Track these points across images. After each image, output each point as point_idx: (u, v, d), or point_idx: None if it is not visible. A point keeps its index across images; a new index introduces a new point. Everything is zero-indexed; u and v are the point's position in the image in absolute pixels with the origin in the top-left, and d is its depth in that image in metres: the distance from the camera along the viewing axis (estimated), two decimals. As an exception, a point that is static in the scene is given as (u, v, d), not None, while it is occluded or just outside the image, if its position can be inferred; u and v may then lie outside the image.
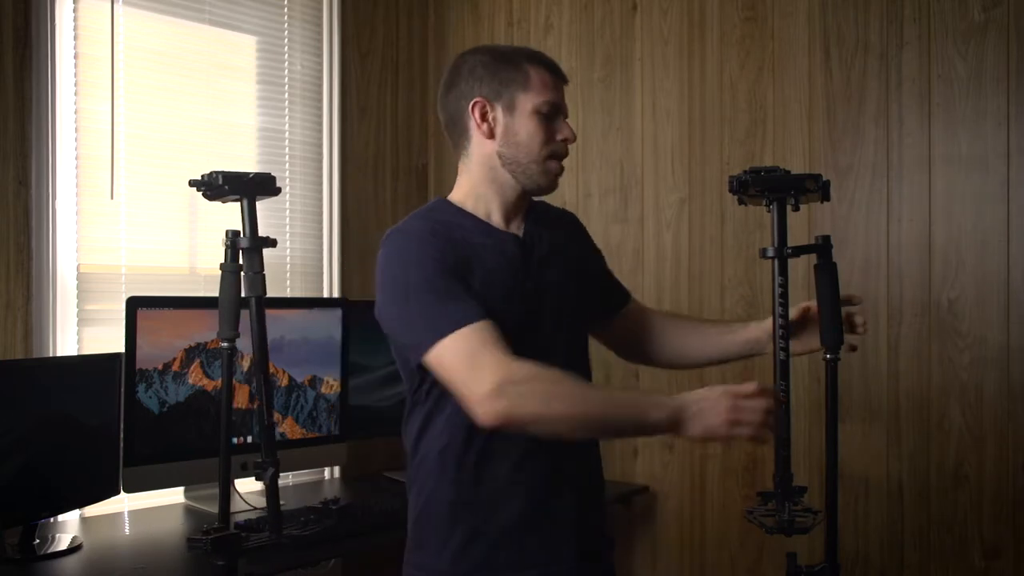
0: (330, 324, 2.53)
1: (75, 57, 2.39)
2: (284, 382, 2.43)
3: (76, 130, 2.39)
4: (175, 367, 2.20)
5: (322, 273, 2.97)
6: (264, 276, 1.58)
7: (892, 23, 2.23)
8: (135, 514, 2.36)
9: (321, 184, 2.97)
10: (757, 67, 2.46)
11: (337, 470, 2.88)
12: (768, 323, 1.56)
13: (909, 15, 2.20)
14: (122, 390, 2.12)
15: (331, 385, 2.53)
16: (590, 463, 1.61)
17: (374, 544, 2.18)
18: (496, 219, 1.55)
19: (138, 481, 2.16)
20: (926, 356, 2.17)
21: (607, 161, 2.72)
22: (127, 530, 2.26)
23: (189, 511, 2.32)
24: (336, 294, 2.94)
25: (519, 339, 1.40)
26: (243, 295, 1.60)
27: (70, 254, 2.36)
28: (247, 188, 1.58)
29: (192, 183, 1.60)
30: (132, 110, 2.51)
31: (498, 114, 1.50)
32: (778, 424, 1.41)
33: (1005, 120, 2.06)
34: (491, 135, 1.51)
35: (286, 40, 2.91)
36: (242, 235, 1.59)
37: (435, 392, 1.48)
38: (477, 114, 1.51)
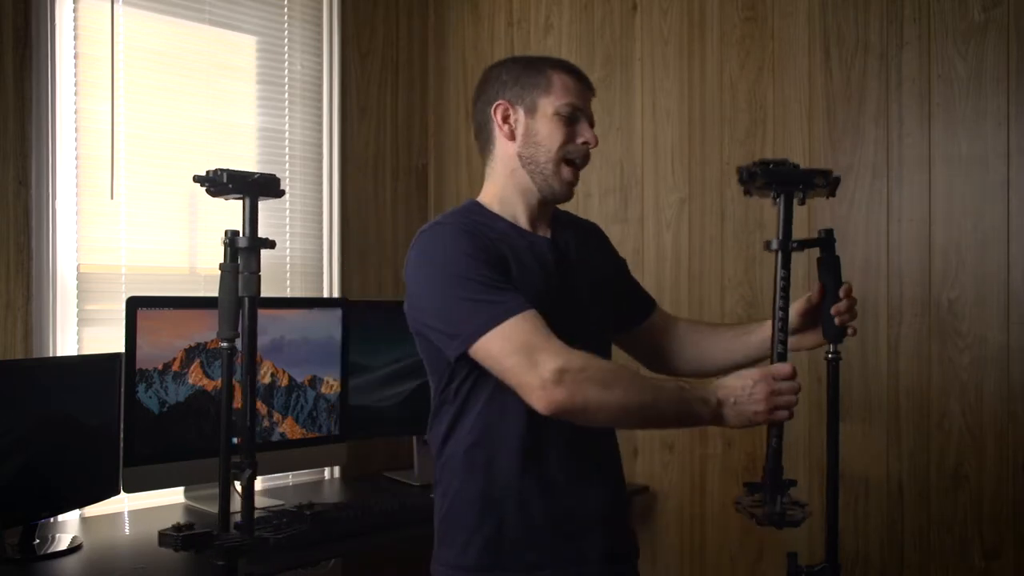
0: (330, 324, 2.53)
1: (75, 57, 2.39)
2: (284, 382, 2.43)
3: (76, 130, 2.39)
4: (175, 367, 2.20)
5: (322, 273, 2.97)
6: (259, 277, 1.58)
7: (892, 23, 2.23)
8: (135, 514, 2.36)
9: (321, 184, 2.97)
10: (757, 67, 2.46)
11: (337, 470, 2.88)
12: None
13: (909, 15, 2.20)
14: (122, 390, 2.12)
15: (331, 385, 2.53)
16: (613, 465, 1.62)
17: (374, 544, 2.18)
18: (523, 223, 1.58)
19: (138, 481, 2.16)
20: (926, 356, 2.17)
21: (607, 161, 2.72)
22: (127, 530, 2.26)
23: (189, 511, 2.31)
24: (336, 294, 2.94)
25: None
26: (238, 295, 1.59)
27: (70, 254, 2.36)
28: (251, 188, 1.58)
29: (196, 179, 1.60)
30: (132, 110, 2.51)
31: (520, 116, 1.54)
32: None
33: (1005, 120, 2.06)
34: (512, 136, 1.55)
35: (286, 40, 2.91)
36: (241, 235, 1.58)
37: (464, 390, 1.49)
38: (499, 116, 1.55)
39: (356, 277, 3.02)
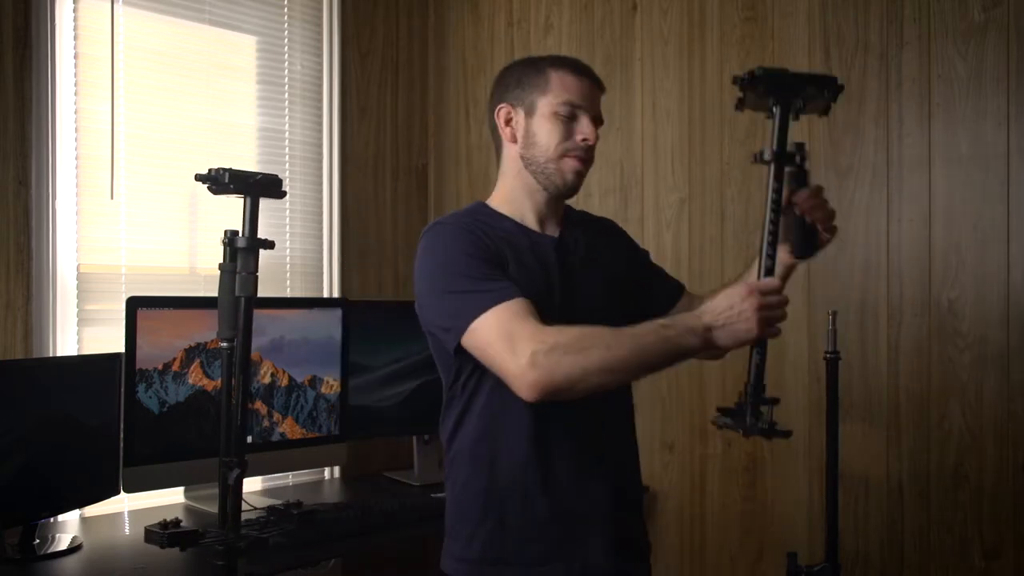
0: (330, 324, 2.53)
1: (75, 57, 2.39)
2: (284, 382, 2.43)
3: (76, 130, 2.39)
4: (175, 367, 2.20)
5: (322, 273, 2.97)
6: (256, 277, 1.57)
7: (892, 23, 2.23)
8: (135, 514, 2.36)
9: (321, 184, 2.97)
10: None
11: (337, 470, 2.88)
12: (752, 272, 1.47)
13: (909, 15, 2.20)
14: (122, 390, 2.12)
15: (331, 385, 2.53)
16: (622, 460, 1.61)
17: (374, 544, 2.18)
18: (531, 223, 1.60)
19: (138, 481, 2.16)
20: (926, 356, 2.17)
21: (607, 161, 2.72)
22: (127, 530, 2.26)
23: (189, 511, 2.31)
24: (336, 294, 2.94)
25: None
26: (235, 294, 1.59)
27: (70, 254, 2.37)
28: (252, 188, 1.58)
29: (198, 177, 1.60)
30: (132, 110, 2.51)
31: (520, 118, 1.56)
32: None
33: (1005, 120, 2.06)
34: (514, 139, 1.57)
35: (286, 40, 2.91)
36: (240, 235, 1.58)
37: (470, 385, 1.52)
38: (502, 119, 1.58)
39: (356, 277, 3.02)
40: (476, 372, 1.50)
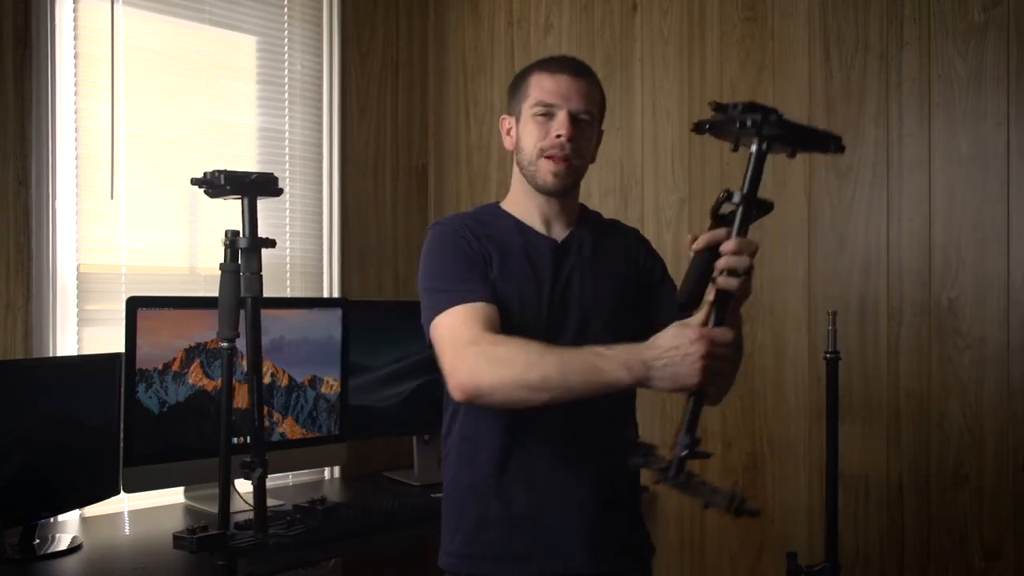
0: (330, 324, 2.53)
1: (75, 57, 2.39)
2: (284, 382, 2.43)
3: (76, 130, 2.39)
4: (175, 367, 2.20)
5: (322, 273, 2.97)
6: (261, 277, 1.58)
7: (892, 23, 2.23)
8: (135, 514, 2.36)
9: (321, 184, 2.97)
10: (757, 67, 2.46)
11: (337, 470, 2.88)
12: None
13: (909, 15, 2.20)
14: (122, 390, 2.12)
15: (331, 385, 2.53)
16: (603, 460, 1.58)
17: (374, 544, 2.18)
18: (536, 224, 1.62)
19: (138, 481, 2.16)
20: (926, 356, 2.17)
21: (607, 161, 2.72)
22: (127, 530, 2.26)
23: (189, 511, 2.31)
24: (336, 294, 2.94)
25: (540, 338, 1.41)
26: (240, 295, 1.59)
27: (70, 254, 2.36)
28: (249, 188, 1.58)
29: (194, 181, 1.60)
30: (132, 110, 2.51)
31: (514, 125, 1.62)
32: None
33: (1005, 120, 2.06)
34: (512, 146, 1.64)
35: (286, 40, 2.91)
36: (241, 235, 1.59)
37: None
38: (504, 129, 1.65)
39: (356, 277, 3.02)
40: None
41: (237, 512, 2.11)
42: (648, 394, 1.63)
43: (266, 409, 2.38)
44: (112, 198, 2.44)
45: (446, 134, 3.22)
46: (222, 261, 1.59)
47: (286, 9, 2.89)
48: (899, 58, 2.21)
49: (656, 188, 2.65)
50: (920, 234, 2.18)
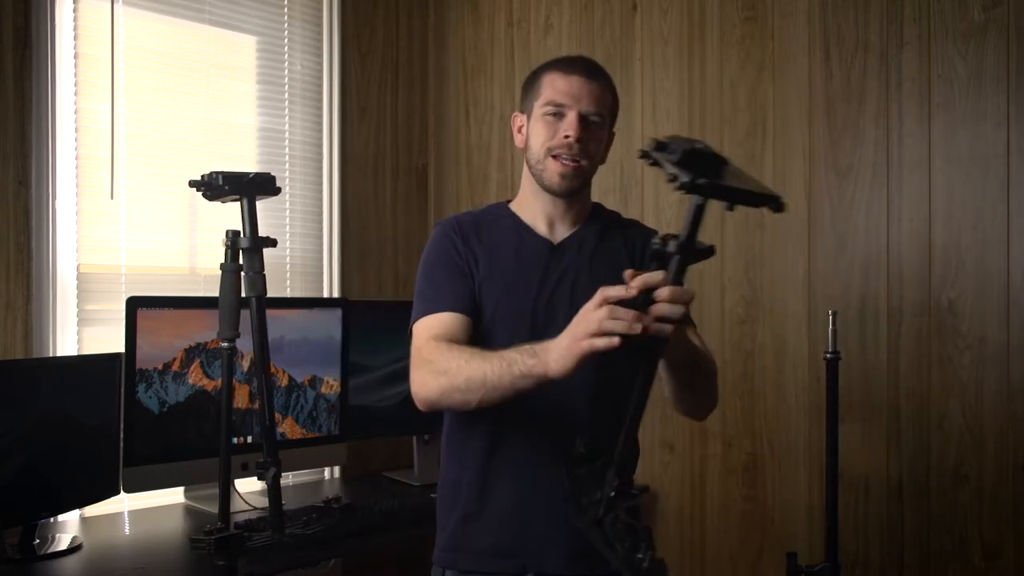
0: (330, 324, 2.53)
1: (75, 57, 2.39)
2: (284, 382, 2.43)
3: (76, 130, 2.39)
4: (175, 367, 2.20)
5: (322, 273, 2.97)
6: (264, 276, 1.58)
7: (892, 23, 2.23)
8: (135, 514, 2.36)
9: (321, 184, 2.97)
10: (757, 67, 2.46)
11: (337, 470, 2.88)
12: None
13: (909, 15, 2.20)
14: (122, 390, 2.12)
15: (331, 385, 2.53)
16: None
17: (374, 544, 2.18)
18: (541, 225, 1.63)
19: (138, 481, 2.16)
20: (926, 356, 2.17)
21: (607, 161, 2.71)
22: (127, 530, 2.26)
23: (189, 511, 2.31)
24: (336, 294, 2.94)
25: (525, 339, 1.40)
26: (243, 295, 1.60)
27: (70, 254, 2.36)
28: (247, 188, 1.58)
29: (192, 183, 1.60)
30: (132, 110, 2.51)
31: (525, 123, 1.63)
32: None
33: (1005, 120, 2.06)
34: (523, 144, 1.63)
35: (286, 40, 2.91)
36: (242, 235, 1.59)
37: None
38: (515, 127, 1.65)
39: (356, 277, 3.02)
40: None
41: (237, 512, 2.11)
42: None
43: (266, 409, 2.38)
44: (112, 198, 2.44)
45: (446, 134, 3.22)
46: (222, 261, 1.59)
47: (286, 9, 2.89)
48: (899, 58, 2.21)
49: (656, 188, 2.65)
50: (920, 234, 2.18)
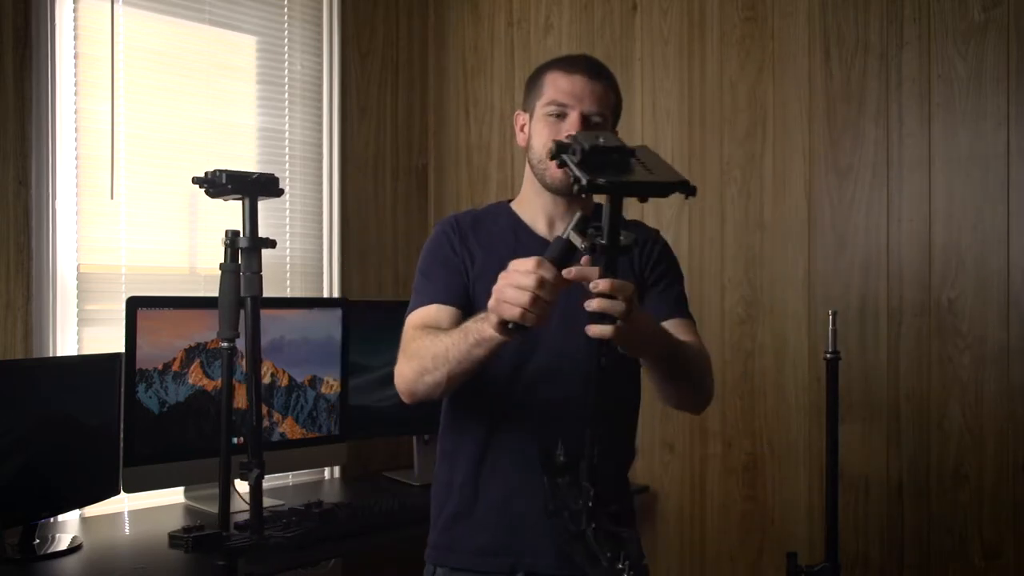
0: (330, 324, 2.53)
1: (75, 57, 2.39)
2: (284, 382, 2.43)
3: (76, 130, 2.39)
4: (175, 367, 2.20)
5: (322, 273, 2.97)
6: (261, 276, 1.58)
7: (892, 23, 2.23)
8: (135, 514, 2.35)
9: (321, 184, 2.97)
10: (757, 67, 2.46)
11: (337, 470, 2.88)
12: None
13: (909, 15, 2.20)
14: (122, 390, 2.12)
15: (331, 385, 2.53)
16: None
17: (374, 544, 2.18)
18: (540, 224, 1.63)
19: (138, 481, 2.16)
20: (926, 356, 2.17)
21: (607, 161, 2.72)
22: (127, 530, 2.26)
23: (189, 511, 2.31)
24: (336, 294, 2.94)
25: (516, 338, 1.39)
26: (240, 295, 1.60)
27: (70, 254, 2.36)
28: (250, 188, 1.58)
29: (196, 180, 1.60)
30: (132, 110, 2.51)
31: (527, 122, 1.62)
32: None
33: (1005, 120, 2.06)
34: (524, 143, 1.63)
35: (286, 40, 2.91)
36: (242, 235, 1.59)
37: None
38: (518, 126, 1.65)
39: (356, 277, 3.02)
40: None
41: (237, 512, 2.11)
42: (647, 391, 1.63)
43: (266, 409, 2.38)
44: (112, 198, 2.44)
45: (446, 134, 3.22)
46: (222, 261, 1.59)
47: (286, 9, 2.89)
48: (899, 58, 2.21)
49: (656, 188, 2.65)
50: (920, 234, 2.18)
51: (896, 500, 2.22)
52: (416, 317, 1.55)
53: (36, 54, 2.29)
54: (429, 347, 1.42)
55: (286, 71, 2.91)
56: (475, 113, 3.13)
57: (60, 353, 2.32)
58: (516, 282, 1.19)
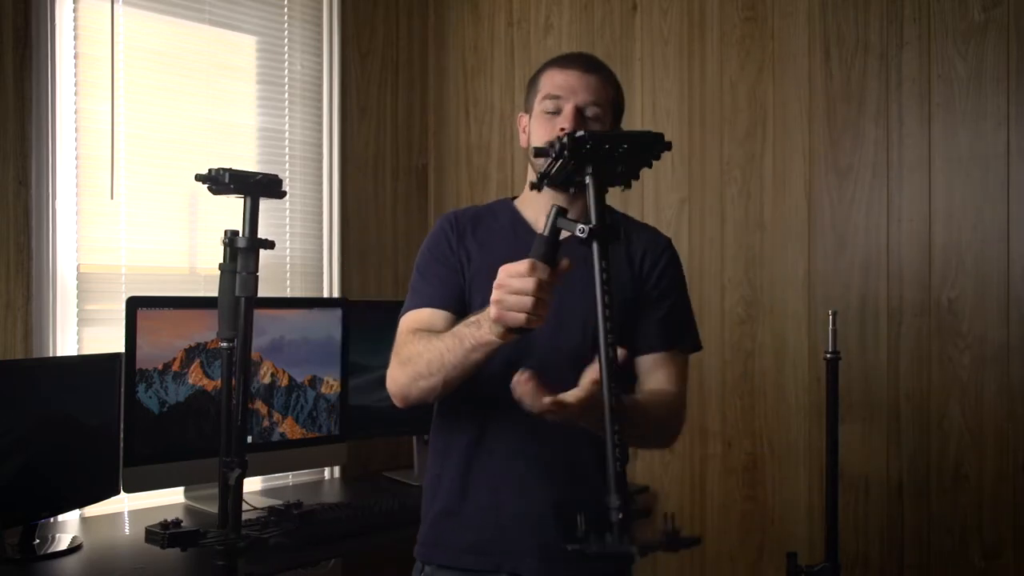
0: (330, 324, 2.53)
1: (75, 57, 2.39)
2: (284, 382, 2.43)
3: (76, 130, 2.39)
4: (175, 367, 2.20)
5: (322, 273, 2.97)
6: (257, 277, 1.57)
7: (892, 23, 2.23)
8: (135, 514, 2.36)
9: (321, 184, 2.97)
10: (757, 67, 2.46)
11: (337, 470, 2.88)
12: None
13: (909, 15, 2.20)
14: (122, 390, 2.12)
15: (331, 385, 2.53)
16: (577, 474, 1.54)
17: (374, 544, 2.18)
18: (542, 223, 1.57)
19: (138, 481, 2.16)
20: (926, 356, 2.17)
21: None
22: (127, 530, 2.26)
23: (189, 511, 2.31)
24: (336, 294, 2.94)
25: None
26: (235, 294, 1.59)
27: (70, 254, 2.36)
28: (252, 189, 1.58)
29: (198, 177, 1.60)
30: (132, 110, 2.51)
31: (528, 122, 1.63)
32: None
33: (1005, 120, 2.06)
34: (526, 144, 1.64)
35: (286, 40, 2.91)
36: (240, 235, 1.58)
37: None
38: (520, 128, 1.66)
39: (356, 277, 3.02)
40: None
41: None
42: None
43: (266, 409, 2.38)
44: (112, 198, 2.44)
45: (446, 134, 3.22)
46: (222, 261, 1.59)
47: (286, 9, 2.89)
48: (899, 58, 2.21)
49: (656, 188, 2.65)
50: (920, 234, 2.18)
51: (896, 500, 2.22)
52: (410, 320, 1.55)
53: (36, 54, 2.29)
54: (423, 352, 1.42)
55: (286, 71, 2.91)
56: (475, 113, 3.13)
57: (60, 353, 2.32)
58: (516, 288, 1.19)
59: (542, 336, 1.48)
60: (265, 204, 1.65)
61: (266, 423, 2.38)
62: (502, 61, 3.06)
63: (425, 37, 3.25)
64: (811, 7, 2.35)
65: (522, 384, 1.20)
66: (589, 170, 1.10)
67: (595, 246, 1.09)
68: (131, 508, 2.38)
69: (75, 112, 2.39)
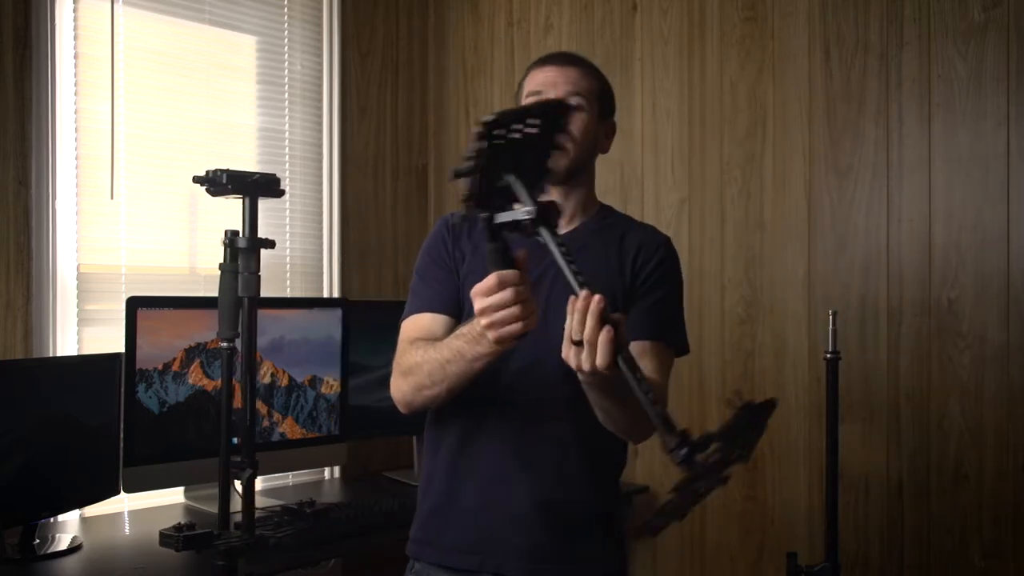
0: (330, 324, 2.53)
1: (75, 57, 2.39)
2: (284, 382, 2.43)
3: (76, 130, 2.39)
4: (175, 367, 2.20)
5: (322, 273, 2.97)
6: (259, 277, 1.58)
7: (892, 23, 2.23)
8: (135, 514, 2.36)
9: (321, 184, 2.97)
10: (757, 67, 2.46)
11: (337, 470, 2.88)
12: None
13: (909, 15, 2.20)
14: (122, 390, 2.12)
15: (331, 385, 2.53)
16: (566, 474, 1.54)
17: (374, 544, 2.18)
18: None
19: (138, 481, 2.16)
20: (926, 356, 2.17)
21: (607, 161, 2.71)
22: (127, 530, 2.26)
23: (189, 511, 2.31)
24: (336, 294, 2.94)
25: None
26: (238, 295, 1.59)
27: (70, 254, 2.36)
28: (250, 188, 1.58)
29: (196, 179, 1.60)
30: (132, 110, 2.51)
31: None
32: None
33: (1005, 120, 2.06)
34: None
35: (286, 40, 2.91)
36: (241, 235, 1.58)
37: None
38: None
39: (356, 277, 3.02)
40: None
41: (237, 512, 2.11)
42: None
43: (266, 409, 2.38)
44: (112, 198, 2.44)
45: (446, 134, 3.22)
46: (222, 261, 1.59)
47: (286, 9, 2.89)
48: (899, 58, 2.21)
49: (656, 188, 2.65)
50: (920, 234, 2.18)
51: (896, 500, 2.22)
52: (410, 328, 1.56)
53: (36, 54, 2.29)
54: (423, 363, 1.43)
55: (286, 71, 2.91)
56: (475, 113, 3.13)
57: (60, 353, 2.32)
58: (496, 304, 1.19)
59: (536, 334, 1.47)
60: (265, 204, 1.65)
61: (266, 423, 2.38)
62: (502, 61, 3.06)
63: (425, 37, 3.25)
64: (811, 7, 2.35)
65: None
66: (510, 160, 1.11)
67: (545, 234, 1.13)
68: (131, 508, 2.38)
69: (75, 112, 2.39)
